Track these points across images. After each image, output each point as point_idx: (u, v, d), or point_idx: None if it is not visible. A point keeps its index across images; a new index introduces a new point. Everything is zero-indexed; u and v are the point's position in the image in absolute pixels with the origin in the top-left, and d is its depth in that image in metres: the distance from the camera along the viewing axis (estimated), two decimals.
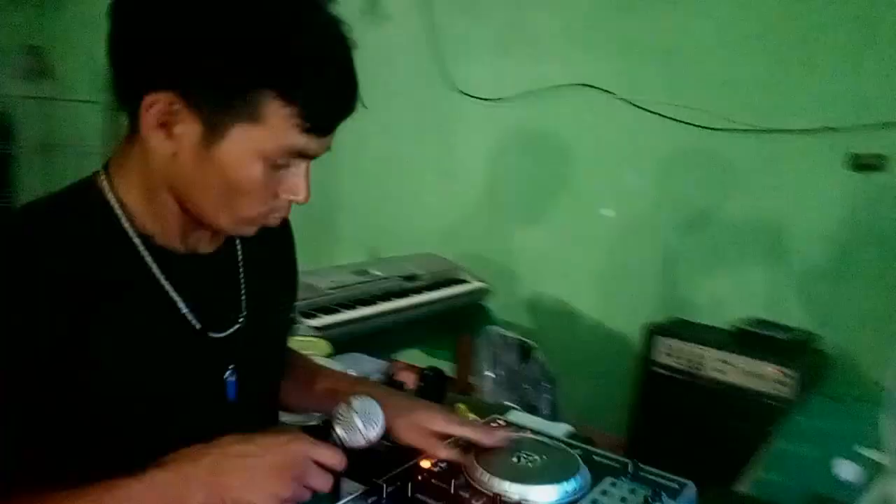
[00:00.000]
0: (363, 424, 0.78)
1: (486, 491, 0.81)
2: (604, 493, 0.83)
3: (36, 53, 4.35)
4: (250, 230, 0.79)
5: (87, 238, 0.74)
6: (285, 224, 0.96)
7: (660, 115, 2.43)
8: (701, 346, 2.20)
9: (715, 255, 2.42)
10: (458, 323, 2.46)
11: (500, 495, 0.79)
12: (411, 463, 0.88)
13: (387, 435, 0.85)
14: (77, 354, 0.71)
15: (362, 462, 0.83)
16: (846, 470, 1.35)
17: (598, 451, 0.94)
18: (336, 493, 0.80)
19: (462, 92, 2.79)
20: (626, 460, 0.90)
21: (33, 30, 4.37)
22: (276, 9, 0.68)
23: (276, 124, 0.69)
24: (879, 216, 2.09)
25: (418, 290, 2.26)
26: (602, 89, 2.55)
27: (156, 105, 0.69)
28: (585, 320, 2.68)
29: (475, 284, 2.44)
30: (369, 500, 0.79)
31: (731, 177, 2.36)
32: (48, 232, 0.73)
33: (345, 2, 0.75)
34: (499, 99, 2.74)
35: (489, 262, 2.73)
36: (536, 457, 0.88)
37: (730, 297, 2.38)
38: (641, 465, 0.89)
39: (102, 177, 0.77)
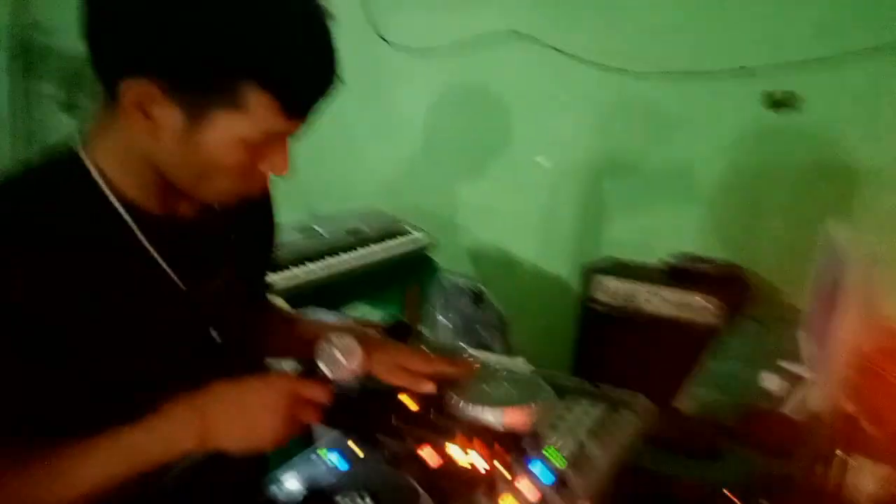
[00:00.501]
0: (344, 358, 0.83)
1: (463, 417, 0.88)
2: (567, 408, 0.92)
3: None
4: (231, 201, 0.81)
5: (69, 207, 0.76)
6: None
7: (586, 61, 2.50)
8: (634, 283, 2.32)
9: (644, 197, 2.54)
10: (404, 275, 2.51)
11: (476, 418, 0.87)
12: (390, 400, 0.94)
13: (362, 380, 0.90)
14: (66, 320, 0.73)
15: (337, 408, 0.88)
16: (771, 381, 1.50)
17: (558, 374, 1.02)
18: (309, 437, 0.86)
19: (391, 42, 2.78)
20: (585, 381, 0.98)
21: None
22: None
23: (258, 111, 0.70)
24: (791, 151, 2.24)
25: (364, 244, 2.29)
26: (531, 37, 2.60)
27: (132, 89, 0.69)
28: (527, 266, 2.78)
29: (419, 236, 2.49)
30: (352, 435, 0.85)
31: (655, 120, 2.46)
32: (29, 206, 0.74)
33: None
34: (429, 48, 2.75)
35: (430, 214, 2.78)
36: (505, 383, 0.95)
37: (660, 236, 2.51)
38: (597, 384, 0.98)
39: (80, 145, 0.78)
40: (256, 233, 0.99)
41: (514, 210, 2.78)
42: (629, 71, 2.42)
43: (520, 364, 1.28)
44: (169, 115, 0.70)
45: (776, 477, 1.02)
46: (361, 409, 0.90)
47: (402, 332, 1.42)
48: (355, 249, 2.24)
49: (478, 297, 1.87)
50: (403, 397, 0.94)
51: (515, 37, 2.62)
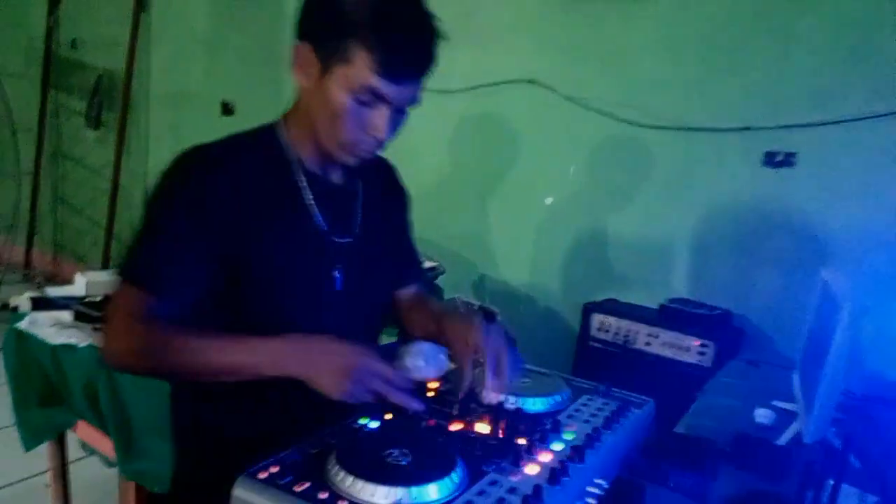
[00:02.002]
0: (413, 365, 1.00)
1: (488, 402, 0.96)
2: (583, 405, 1.00)
3: None
4: (349, 158, 1.05)
5: (262, 162, 1.06)
6: (389, 167, 1.30)
7: (597, 111, 2.64)
8: (631, 322, 2.41)
9: (645, 241, 2.64)
10: None
11: (501, 404, 0.94)
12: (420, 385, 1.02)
13: None
14: (237, 241, 1.00)
15: None
16: (764, 416, 1.58)
17: (574, 378, 1.10)
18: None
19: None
20: (598, 384, 1.06)
21: None
22: None
23: (360, 66, 0.95)
24: (787, 207, 2.36)
25: None
26: (545, 85, 2.75)
27: (299, 51, 1.00)
28: (528, 300, 2.87)
29: (429, 264, 2.58)
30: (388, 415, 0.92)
31: (659, 170, 2.58)
32: (233, 155, 1.04)
33: None
34: (448, 91, 2.89)
35: (438, 246, 2.87)
36: (527, 379, 1.03)
37: (657, 279, 2.61)
38: (610, 387, 1.06)
39: (282, 120, 1.10)
40: (386, 208, 1.25)
41: (520, 245, 2.88)
42: (638, 123, 2.56)
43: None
44: (314, 71, 0.99)
45: (771, 497, 1.09)
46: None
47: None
48: None
49: (489, 318, 1.94)
50: (433, 384, 1.02)
51: (532, 85, 2.77)
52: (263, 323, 0.98)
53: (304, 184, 1.08)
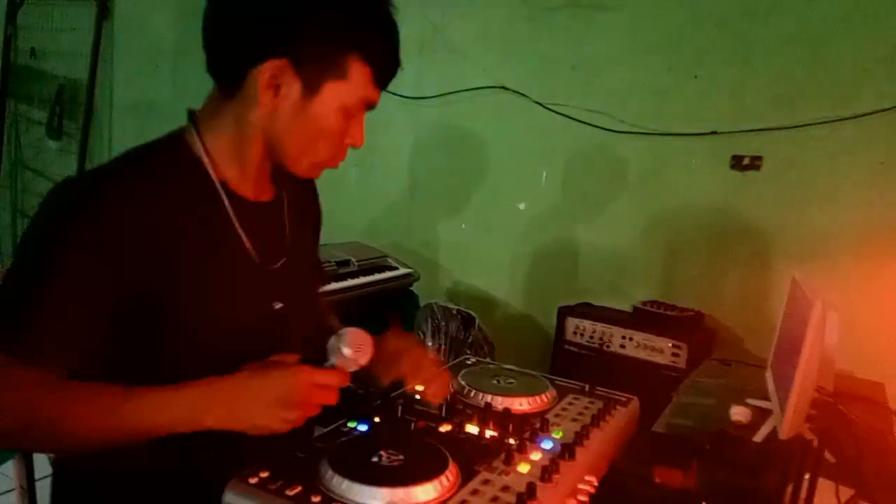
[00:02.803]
0: (351, 352, 0.90)
1: (476, 404, 0.96)
2: (570, 404, 1.00)
3: None
4: (317, 173, 0.97)
5: (175, 183, 0.89)
6: (315, 190, 1.17)
7: (567, 116, 2.68)
8: (606, 325, 2.44)
9: (617, 245, 2.68)
10: (388, 307, 2.57)
11: (490, 404, 0.94)
12: (401, 390, 1.01)
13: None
14: (157, 280, 0.84)
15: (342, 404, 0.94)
16: (740, 414, 1.60)
17: (557, 378, 1.11)
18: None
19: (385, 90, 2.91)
20: (582, 384, 1.07)
21: None
22: None
23: (358, 80, 0.89)
24: (754, 209, 2.41)
25: (353, 275, 2.36)
26: (517, 92, 2.77)
27: (269, 70, 0.86)
28: (503, 305, 2.88)
29: (403, 270, 2.57)
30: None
31: (629, 175, 2.62)
32: (139, 180, 0.86)
33: None
34: (421, 98, 2.90)
35: (411, 252, 2.87)
36: (512, 380, 1.03)
37: (629, 282, 2.64)
38: (595, 387, 1.07)
39: (192, 133, 0.93)
40: (307, 219, 1.13)
41: (493, 252, 2.90)
42: (608, 129, 2.60)
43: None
44: (292, 90, 0.88)
45: (750, 493, 1.10)
46: (385, 399, 0.96)
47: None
48: (344, 279, 2.31)
49: (468, 323, 1.95)
50: (419, 387, 1.01)
51: (503, 91, 2.79)
52: (192, 371, 0.83)
53: (229, 209, 0.92)
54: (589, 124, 2.64)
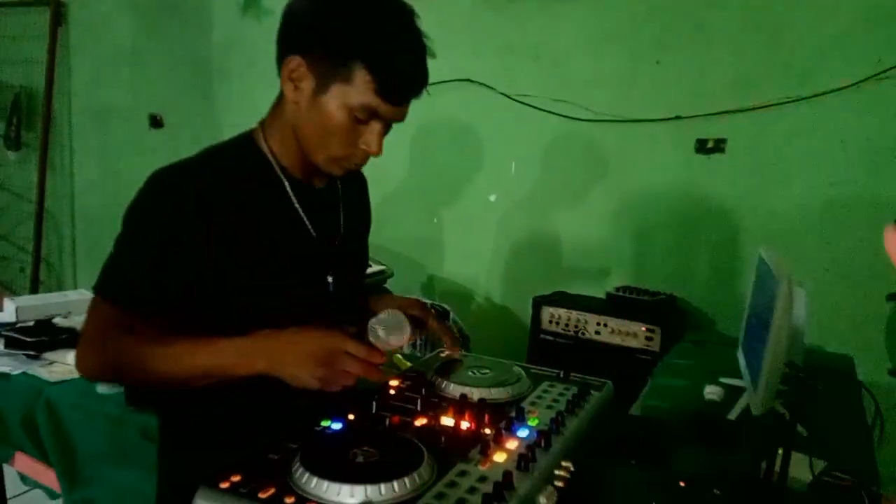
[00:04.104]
0: (388, 334, 0.99)
1: (451, 396, 0.96)
2: (545, 391, 1.00)
3: None
4: (337, 170, 1.07)
5: (241, 170, 1.05)
6: (362, 176, 1.31)
7: (533, 107, 2.68)
8: (580, 313, 2.46)
9: (587, 232, 2.70)
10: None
11: (465, 395, 0.94)
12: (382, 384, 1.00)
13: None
14: (225, 250, 0.99)
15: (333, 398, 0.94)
16: (713, 393, 1.63)
17: (532, 366, 1.11)
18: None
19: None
20: (557, 371, 1.07)
21: None
22: (376, 8, 0.97)
23: (360, 85, 0.97)
24: (720, 191, 2.44)
25: None
26: (482, 84, 2.77)
27: (290, 65, 0.99)
28: (479, 297, 2.89)
29: (376, 268, 2.56)
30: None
31: (596, 162, 2.65)
32: (211, 169, 1.03)
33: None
34: None
35: (385, 249, 2.85)
36: (487, 370, 1.03)
37: (602, 269, 2.67)
38: (569, 373, 1.07)
39: (259, 129, 1.09)
40: (359, 207, 1.29)
41: (467, 245, 2.90)
42: (573, 117, 2.61)
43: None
44: (307, 86, 1.00)
45: (725, 471, 1.12)
46: (356, 393, 0.96)
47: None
48: None
49: (442, 316, 1.94)
50: (394, 382, 1.01)
51: (469, 84, 2.79)
52: (251, 328, 0.95)
53: (290, 191, 1.07)
54: (555, 113, 2.65)
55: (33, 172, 3.87)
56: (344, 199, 1.20)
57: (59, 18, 3.74)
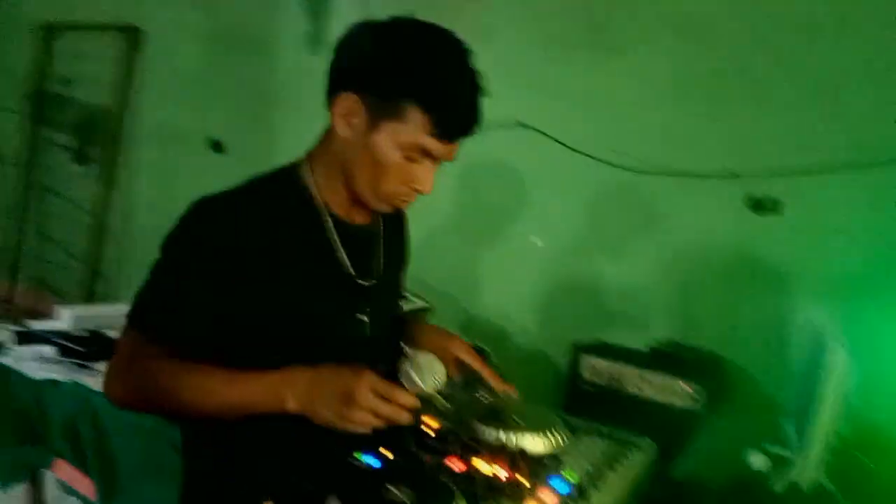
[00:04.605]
0: (419, 376, 0.96)
1: (489, 441, 0.95)
2: (585, 445, 0.99)
3: None
4: (386, 207, 1.07)
5: (282, 205, 1.04)
6: (402, 212, 1.29)
7: (583, 153, 2.68)
8: (621, 364, 2.40)
9: (632, 282, 2.66)
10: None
11: (503, 442, 0.93)
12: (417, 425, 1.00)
13: None
14: (261, 284, 0.98)
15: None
16: (756, 460, 1.57)
17: (570, 417, 1.09)
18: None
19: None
20: (598, 423, 1.06)
21: None
22: (430, 50, 0.98)
23: (414, 125, 0.97)
24: (771, 251, 2.39)
25: None
26: (534, 128, 2.79)
27: (343, 101, 0.99)
28: (517, 339, 2.86)
29: (419, 303, 2.57)
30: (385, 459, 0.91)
31: (647, 213, 2.61)
32: (252, 204, 1.02)
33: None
34: None
35: (426, 284, 2.86)
36: (527, 416, 1.02)
37: (645, 320, 2.62)
38: (611, 428, 1.05)
39: (304, 162, 1.09)
40: (399, 246, 1.28)
41: (508, 286, 2.89)
42: (625, 167, 2.61)
43: None
44: (360, 122, 0.99)
45: None
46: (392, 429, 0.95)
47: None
48: None
49: (483, 356, 1.93)
50: (427, 419, 1.00)
51: (520, 127, 2.81)
52: (282, 363, 0.95)
53: (331, 227, 1.07)
54: (605, 162, 2.65)
55: (95, 186, 4.04)
56: (385, 236, 1.19)
57: (134, 44, 3.93)
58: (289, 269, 1.01)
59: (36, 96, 4.26)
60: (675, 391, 2.31)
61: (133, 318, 0.99)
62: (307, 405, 0.89)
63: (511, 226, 2.89)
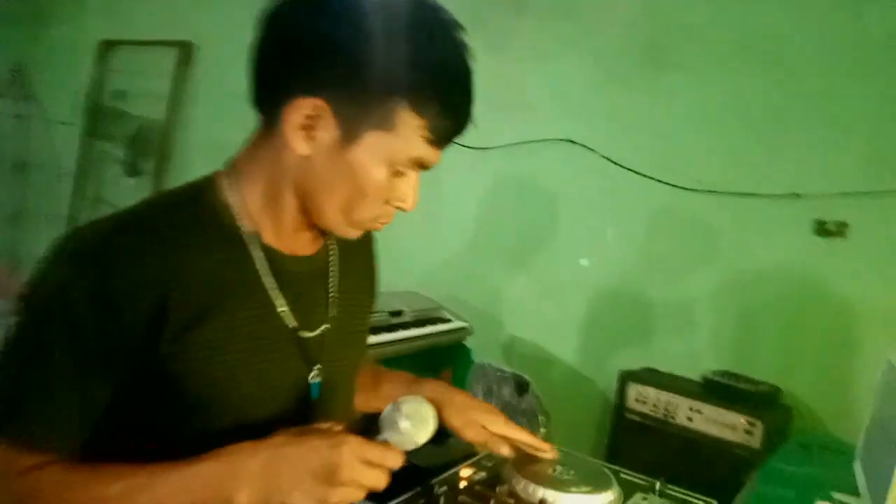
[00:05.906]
0: (410, 426, 0.78)
1: (528, 498, 0.87)
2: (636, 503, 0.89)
3: (18, 72, 4.35)
4: (356, 233, 0.83)
5: (195, 234, 0.77)
6: (374, 256, 1.03)
7: (637, 172, 2.58)
8: (672, 395, 2.28)
9: (685, 308, 2.53)
10: (439, 360, 2.50)
11: (544, 500, 0.85)
12: (452, 471, 0.93)
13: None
14: (171, 345, 0.73)
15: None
16: None
17: (623, 470, 1.00)
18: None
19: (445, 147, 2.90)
20: (654, 480, 0.96)
21: (16, 48, 4.37)
22: (419, 29, 0.74)
23: (406, 133, 0.74)
24: (838, 278, 2.24)
25: (405, 326, 2.31)
26: (585, 146, 2.70)
27: (302, 108, 0.74)
28: (561, 365, 2.76)
29: (458, 324, 2.50)
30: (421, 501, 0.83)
31: (704, 236, 2.49)
32: (151, 233, 0.75)
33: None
34: (486, 148, 2.86)
35: (468, 305, 2.80)
36: (572, 470, 0.94)
37: (700, 349, 2.49)
38: (668, 485, 0.95)
39: (223, 176, 0.82)
40: (361, 277, 0.99)
41: (553, 309, 2.79)
42: (681, 186, 2.49)
43: None
44: (328, 135, 0.75)
45: None
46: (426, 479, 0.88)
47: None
48: (396, 330, 2.26)
49: (522, 387, 1.85)
50: (465, 470, 0.93)
51: (570, 145, 2.72)
52: (214, 444, 0.72)
53: (264, 263, 0.80)
54: (659, 181, 2.54)
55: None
56: (341, 267, 0.91)
57: (186, 59, 3.99)
58: (204, 321, 0.74)
59: (92, 110, 4.37)
60: (728, 424, 2.18)
61: None
62: (268, 496, 0.68)
63: (558, 246, 2.79)
